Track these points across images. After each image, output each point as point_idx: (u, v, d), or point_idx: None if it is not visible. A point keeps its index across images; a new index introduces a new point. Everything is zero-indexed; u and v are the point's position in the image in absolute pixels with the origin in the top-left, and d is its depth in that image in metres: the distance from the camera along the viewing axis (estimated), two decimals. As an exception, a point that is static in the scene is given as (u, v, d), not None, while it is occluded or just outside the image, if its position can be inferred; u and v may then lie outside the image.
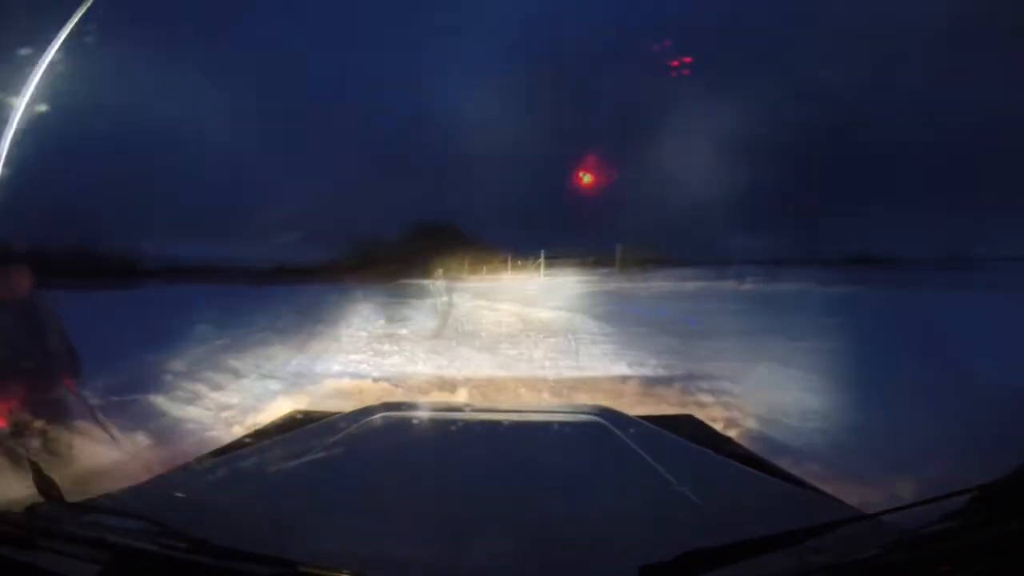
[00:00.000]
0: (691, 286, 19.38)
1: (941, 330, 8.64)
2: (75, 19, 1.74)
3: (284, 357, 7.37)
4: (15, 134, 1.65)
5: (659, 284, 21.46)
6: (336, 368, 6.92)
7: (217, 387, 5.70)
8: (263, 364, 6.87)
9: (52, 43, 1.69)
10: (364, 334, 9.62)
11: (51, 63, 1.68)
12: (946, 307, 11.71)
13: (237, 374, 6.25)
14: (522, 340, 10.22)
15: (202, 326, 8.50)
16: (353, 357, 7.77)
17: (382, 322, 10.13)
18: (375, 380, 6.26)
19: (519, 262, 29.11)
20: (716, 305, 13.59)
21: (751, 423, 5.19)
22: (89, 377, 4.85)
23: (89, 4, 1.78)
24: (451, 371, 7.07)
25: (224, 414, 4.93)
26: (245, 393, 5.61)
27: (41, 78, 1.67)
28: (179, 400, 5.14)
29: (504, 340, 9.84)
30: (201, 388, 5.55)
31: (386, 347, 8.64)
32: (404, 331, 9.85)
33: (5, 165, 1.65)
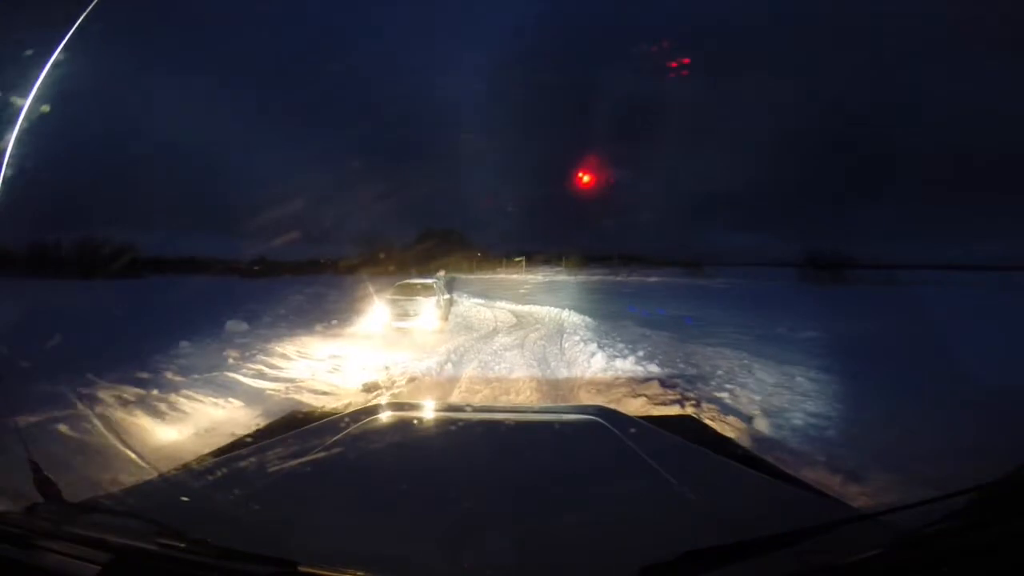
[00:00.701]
0: (653, 280, 25.41)
1: (862, 327, 10.20)
2: (80, 20, 1.75)
3: (315, 344, 8.60)
4: (20, 134, 1.66)
5: (614, 279, 26.26)
6: (358, 354, 8.00)
7: (274, 367, 6.79)
8: (303, 350, 8.06)
9: (57, 43, 1.69)
10: (378, 326, 10.81)
11: (56, 63, 1.68)
12: (884, 307, 14.18)
13: (286, 357, 7.47)
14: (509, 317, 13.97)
15: (233, 320, 9.79)
16: (369, 344, 8.98)
17: (390, 317, 11.12)
18: (390, 368, 6.96)
19: (505, 260, 30.57)
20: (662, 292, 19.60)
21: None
22: (162, 361, 6.30)
23: (93, 5, 1.78)
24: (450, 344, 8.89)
25: (289, 384, 5.96)
26: (299, 371, 6.75)
27: (45, 78, 1.67)
28: (250, 375, 6.16)
29: (500, 329, 11.97)
30: (262, 368, 6.62)
31: (397, 336, 10.07)
32: (410, 324, 10.92)
33: (10, 165, 1.65)
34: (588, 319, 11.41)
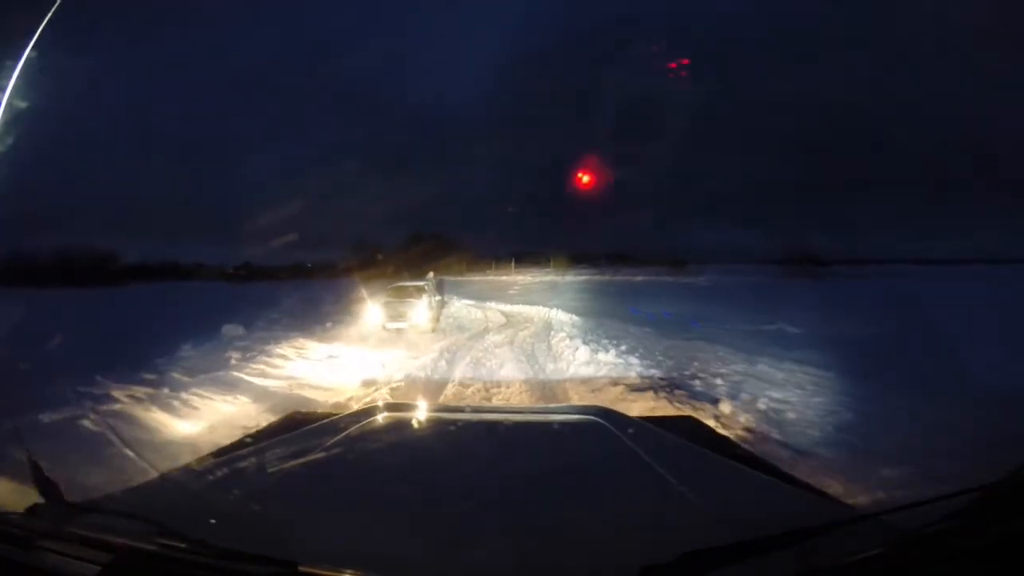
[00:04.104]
0: (638, 279, 26.54)
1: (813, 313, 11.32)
2: (49, 15, 1.73)
3: (312, 345, 8.88)
4: (6, 138, 1.64)
5: (595, 278, 27.39)
6: (354, 354, 8.26)
7: (275, 367, 7.03)
8: (301, 351, 8.30)
9: (32, 41, 1.67)
10: (371, 328, 11.11)
11: (30, 63, 1.66)
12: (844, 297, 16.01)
13: (285, 357, 7.69)
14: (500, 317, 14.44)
15: (229, 325, 10.04)
16: (364, 345, 9.26)
17: (383, 319, 11.37)
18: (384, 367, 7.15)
19: (495, 262, 30.83)
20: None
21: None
22: (167, 364, 6.53)
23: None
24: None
25: (292, 382, 6.25)
26: (299, 370, 6.96)
27: (22, 79, 1.65)
28: (253, 374, 6.38)
29: (491, 329, 12.01)
30: (264, 368, 6.84)
31: (391, 337, 10.31)
32: (403, 325, 11.16)
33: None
34: (575, 317, 11.76)
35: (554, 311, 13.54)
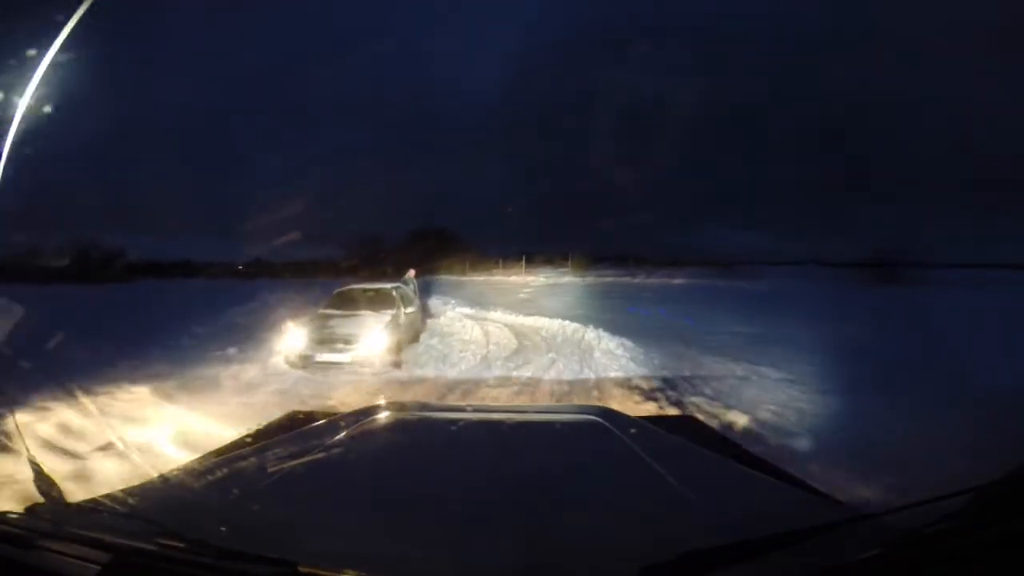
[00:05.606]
0: (679, 282, 23.04)
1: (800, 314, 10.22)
2: (75, 19, 1.74)
3: (126, 409, 4.90)
4: (16, 135, 1.65)
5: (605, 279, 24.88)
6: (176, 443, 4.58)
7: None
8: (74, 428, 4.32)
9: (54, 42, 1.68)
10: (286, 363, 7.12)
11: (52, 63, 1.68)
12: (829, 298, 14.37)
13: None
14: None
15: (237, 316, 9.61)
16: (231, 411, 5.16)
17: (312, 346, 7.02)
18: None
19: (503, 261, 29.25)
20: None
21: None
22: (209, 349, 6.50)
23: (89, 4, 1.78)
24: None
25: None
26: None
27: (42, 78, 1.66)
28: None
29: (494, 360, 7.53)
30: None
31: (312, 384, 6.26)
32: (345, 357, 6.81)
33: (6, 165, 1.65)
34: (626, 342, 7.54)
35: (590, 330, 8.80)
